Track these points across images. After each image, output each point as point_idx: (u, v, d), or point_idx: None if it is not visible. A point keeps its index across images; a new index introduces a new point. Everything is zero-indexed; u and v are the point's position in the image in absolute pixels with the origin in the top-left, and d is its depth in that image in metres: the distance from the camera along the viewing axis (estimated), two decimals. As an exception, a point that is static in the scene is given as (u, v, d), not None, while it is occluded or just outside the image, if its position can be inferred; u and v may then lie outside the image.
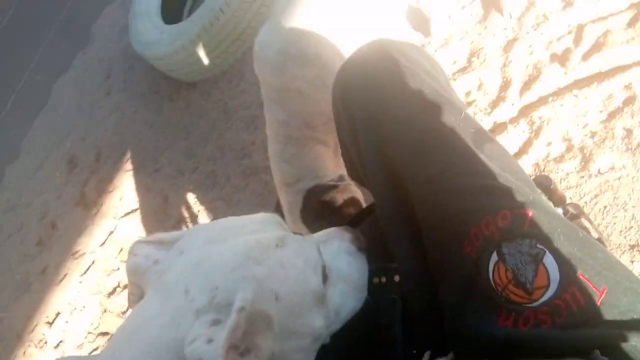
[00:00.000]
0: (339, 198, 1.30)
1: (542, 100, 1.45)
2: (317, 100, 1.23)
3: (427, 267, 0.75)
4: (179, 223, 2.29)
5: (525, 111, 1.47)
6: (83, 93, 3.11)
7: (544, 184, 0.93)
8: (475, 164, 0.71)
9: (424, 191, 0.74)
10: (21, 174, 3.15)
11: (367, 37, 1.29)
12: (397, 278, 0.83)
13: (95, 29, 3.27)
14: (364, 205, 1.31)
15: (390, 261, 0.84)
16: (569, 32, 1.46)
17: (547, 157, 1.41)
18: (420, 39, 1.80)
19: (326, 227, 0.85)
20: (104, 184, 2.65)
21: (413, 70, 0.83)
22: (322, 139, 1.32)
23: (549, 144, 1.41)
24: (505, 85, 1.53)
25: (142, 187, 2.52)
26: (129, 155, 2.66)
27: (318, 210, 1.31)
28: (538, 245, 0.61)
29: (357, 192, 1.32)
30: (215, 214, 2.19)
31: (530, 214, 0.63)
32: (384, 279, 0.86)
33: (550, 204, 0.77)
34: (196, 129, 2.48)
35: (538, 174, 1.45)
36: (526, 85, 1.49)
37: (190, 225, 2.25)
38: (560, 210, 0.89)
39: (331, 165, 1.36)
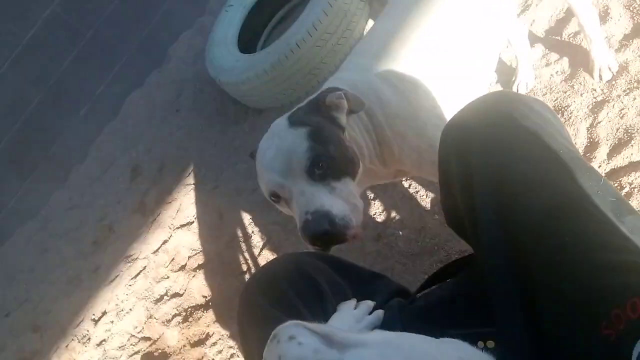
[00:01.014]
0: None
1: (633, 166, 1.30)
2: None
3: (536, 340, 0.63)
4: (232, 240, 2.17)
5: (613, 175, 1.32)
6: (154, 108, 3.07)
7: None
8: (618, 237, 0.59)
9: (553, 260, 0.61)
10: (85, 176, 3.09)
11: (452, 84, 1.17)
12: (490, 344, 0.71)
13: (172, 50, 3.25)
14: None
15: (484, 323, 0.71)
16: (665, 101, 1.32)
17: (635, 224, 1.25)
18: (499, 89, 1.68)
19: None
20: (163, 195, 2.56)
21: (543, 126, 0.71)
22: None
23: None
24: (592, 147, 1.39)
25: (200, 202, 2.42)
26: (190, 170, 2.57)
27: None
28: None
29: None
30: (269, 237, 2.06)
31: None
32: (491, 344, 0.73)
33: None
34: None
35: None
36: (615, 149, 1.35)
37: (243, 244, 2.13)
38: None
39: None
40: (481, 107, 0.78)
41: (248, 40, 2.74)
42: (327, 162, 0.95)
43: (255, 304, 0.93)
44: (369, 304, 0.86)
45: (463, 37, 1.17)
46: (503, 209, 0.68)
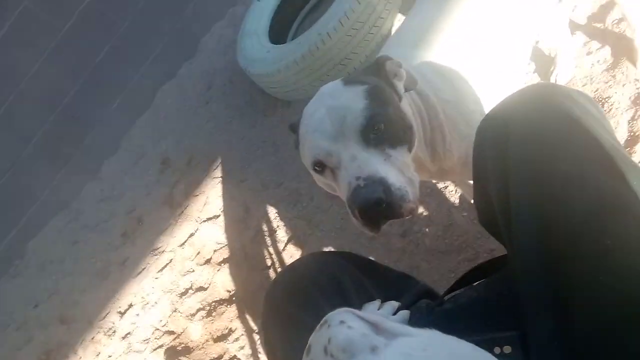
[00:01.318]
0: None
1: (678, 162, 1.26)
2: None
3: (569, 347, 0.60)
4: (257, 234, 2.23)
5: (656, 171, 1.28)
6: (184, 100, 3.17)
7: None
8: None
9: (593, 263, 0.59)
10: (117, 168, 3.23)
11: (488, 77, 1.17)
12: (507, 349, 0.69)
13: (204, 42, 3.34)
14: None
15: (512, 326, 0.70)
16: None
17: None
18: (536, 81, 1.66)
19: None
20: (191, 188, 2.65)
21: (588, 120, 0.68)
22: None
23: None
24: (633, 140, 1.35)
25: (227, 195, 2.49)
26: (218, 163, 2.65)
27: None
28: None
29: None
30: (294, 232, 2.10)
31: None
32: (508, 349, 0.72)
33: None
34: (286, 146, 2.43)
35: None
36: (659, 143, 1.31)
37: (268, 238, 2.18)
38: None
39: None
40: (521, 100, 0.76)
41: (279, 31, 2.78)
42: (386, 124, 0.87)
43: (280, 306, 0.94)
44: (394, 304, 0.85)
45: (498, 27, 1.15)
46: (540, 209, 0.65)
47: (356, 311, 0.63)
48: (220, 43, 3.22)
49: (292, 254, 2.03)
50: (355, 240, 1.83)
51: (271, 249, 2.12)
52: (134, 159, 3.14)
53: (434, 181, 1.39)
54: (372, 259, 1.09)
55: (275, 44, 2.56)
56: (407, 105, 0.99)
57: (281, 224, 2.17)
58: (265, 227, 2.23)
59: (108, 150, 3.32)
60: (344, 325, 0.57)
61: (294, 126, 1.03)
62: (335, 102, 0.89)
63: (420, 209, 1.71)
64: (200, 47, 3.34)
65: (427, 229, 1.65)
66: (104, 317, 2.47)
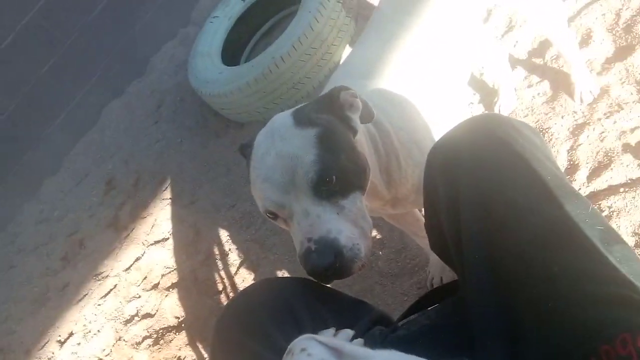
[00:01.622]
0: None
1: (612, 190, 1.34)
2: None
3: None
4: (208, 258, 2.16)
5: (593, 198, 1.35)
6: (132, 119, 3.07)
7: None
8: (607, 268, 0.60)
9: (540, 290, 0.61)
10: (58, 188, 3.07)
11: (433, 105, 1.21)
12: None
13: (154, 61, 3.27)
14: None
15: (464, 353, 0.71)
16: (646, 125, 1.37)
17: (614, 248, 1.28)
18: (481, 110, 1.72)
19: None
20: (138, 210, 2.55)
21: (531, 151, 0.72)
22: None
23: (618, 235, 1.29)
24: (573, 169, 1.43)
25: (176, 218, 2.41)
26: (168, 184, 2.57)
27: None
28: None
29: None
30: (247, 255, 2.06)
31: None
32: None
33: None
34: (238, 168, 2.39)
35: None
36: (595, 172, 1.39)
37: (219, 262, 2.12)
38: None
39: None
40: (469, 129, 0.78)
41: (232, 53, 2.77)
42: (338, 176, 0.85)
43: (230, 333, 0.92)
44: (348, 332, 0.84)
45: (440, 57, 1.20)
46: (490, 236, 0.68)
47: (318, 337, 0.62)
48: (171, 63, 3.16)
49: (244, 278, 1.98)
50: (309, 264, 1.81)
51: (222, 273, 2.06)
52: (76, 179, 3.00)
53: (386, 218, 1.39)
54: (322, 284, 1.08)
55: (229, 65, 2.54)
56: (362, 136, 0.98)
57: (233, 247, 2.12)
58: (216, 251, 2.17)
59: (49, 169, 3.15)
60: (305, 352, 0.57)
61: (244, 148, 1.00)
62: (285, 148, 0.86)
63: (374, 232, 1.72)
64: (150, 66, 3.26)
65: (380, 252, 1.66)
66: (43, 347, 2.32)
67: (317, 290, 1.00)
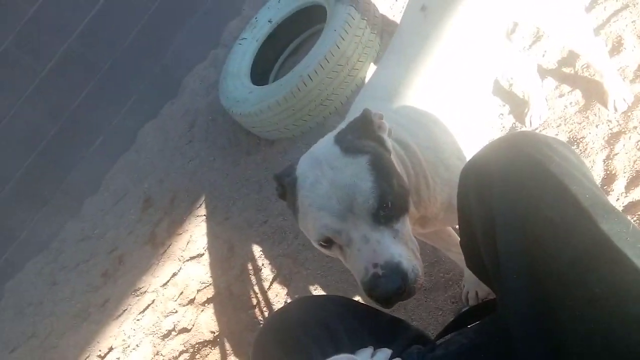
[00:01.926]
0: None
1: (652, 199, 1.29)
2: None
3: None
4: (242, 273, 2.17)
5: (632, 208, 1.31)
6: (166, 139, 3.14)
7: None
8: None
9: (583, 311, 0.60)
10: (98, 207, 3.15)
11: (460, 122, 1.19)
12: None
13: (186, 82, 3.34)
14: None
15: None
16: (684, 132, 1.32)
17: (656, 259, 1.23)
18: (511, 122, 1.69)
19: None
20: (174, 226, 2.59)
21: (567, 169, 0.70)
22: None
23: (659, 245, 1.23)
24: (610, 179, 1.38)
25: (211, 234, 2.44)
26: (202, 201, 2.61)
27: None
28: None
29: None
30: (279, 270, 2.06)
31: None
32: None
33: None
34: (270, 185, 2.41)
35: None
36: (633, 182, 1.34)
37: (253, 277, 2.13)
38: None
39: None
40: (502, 148, 0.77)
41: (261, 72, 2.81)
42: (393, 201, 0.86)
43: (270, 352, 0.93)
44: (387, 352, 0.84)
45: (460, 75, 1.18)
46: (528, 257, 0.67)
47: (354, 357, 0.61)
48: (203, 84, 3.22)
49: (277, 293, 1.98)
50: (342, 279, 1.80)
51: (256, 288, 2.07)
52: (115, 198, 3.07)
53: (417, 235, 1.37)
54: (363, 302, 1.07)
55: (257, 85, 2.57)
56: (394, 157, 0.98)
57: (266, 262, 2.13)
58: (250, 266, 2.18)
59: (89, 189, 3.25)
60: None
61: (282, 178, 0.99)
62: (340, 177, 0.87)
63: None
64: (182, 87, 3.34)
65: (412, 266, 1.63)
66: (84, 362, 2.36)
67: (354, 309, 1.00)
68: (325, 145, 0.95)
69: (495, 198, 0.72)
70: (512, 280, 0.68)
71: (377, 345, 0.86)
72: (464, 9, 1.18)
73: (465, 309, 1.42)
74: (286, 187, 0.98)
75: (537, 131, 1.61)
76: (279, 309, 1.03)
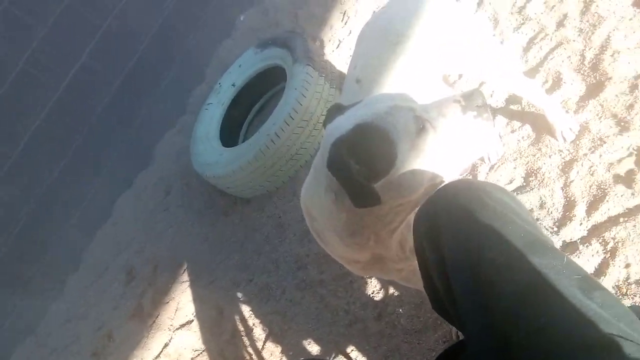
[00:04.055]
0: None
1: (613, 221, 1.32)
2: None
3: None
4: (234, 336, 2.11)
5: (595, 231, 1.34)
6: (143, 209, 3.08)
7: None
8: (589, 315, 0.61)
9: (532, 341, 0.63)
10: (80, 284, 3.03)
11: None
12: None
13: (157, 150, 3.31)
14: None
15: None
16: (629, 155, 1.37)
17: (627, 279, 1.25)
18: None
19: None
20: (160, 296, 2.51)
21: (505, 213, 0.76)
22: None
23: (627, 265, 1.26)
24: (570, 205, 1.42)
25: (198, 299, 2.37)
26: (185, 267, 2.55)
27: None
28: None
29: None
30: (270, 328, 2.01)
31: None
32: None
33: None
34: (250, 243, 2.38)
35: (621, 297, 1.28)
36: (593, 206, 1.38)
37: (245, 338, 2.06)
38: None
39: None
40: (445, 198, 0.82)
41: (231, 134, 2.82)
42: None
43: None
44: None
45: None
46: (479, 295, 0.71)
47: None
48: (174, 150, 3.20)
49: (272, 352, 1.92)
50: (332, 330, 1.77)
51: (250, 349, 2.00)
52: (96, 274, 2.97)
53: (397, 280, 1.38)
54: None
55: (228, 146, 2.57)
56: None
57: (257, 321, 2.07)
58: (241, 327, 2.12)
59: (70, 267, 3.13)
60: None
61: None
62: None
63: (391, 290, 1.69)
64: (154, 155, 3.30)
65: (400, 310, 1.62)
66: None
67: None
68: None
69: (443, 244, 0.78)
70: (470, 320, 0.73)
71: None
72: (392, 78, 1.21)
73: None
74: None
75: (494, 166, 1.65)
76: None
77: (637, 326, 0.63)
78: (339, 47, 2.66)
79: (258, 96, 2.90)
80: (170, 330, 2.34)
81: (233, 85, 2.79)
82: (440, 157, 0.93)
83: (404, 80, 1.21)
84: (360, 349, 1.63)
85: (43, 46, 2.97)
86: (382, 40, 1.27)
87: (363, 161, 0.89)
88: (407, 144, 0.91)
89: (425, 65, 1.24)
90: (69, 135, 3.16)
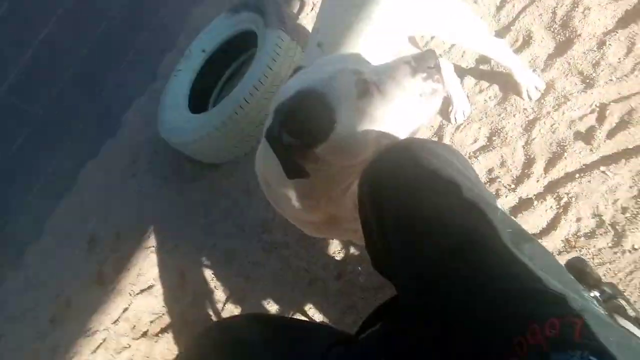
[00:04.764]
0: None
1: (569, 177, 1.33)
2: None
3: None
4: (196, 299, 2.07)
5: (551, 187, 1.34)
6: (110, 177, 3.00)
7: (578, 267, 0.82)
8: (516, 266, 0.62)
9: (459, 294, 0.64)
10: (41, 253, 2.95)
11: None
12: None
13: (126, 118, 3.23)
14: None
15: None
16: (592, 112, 1.38)
17: (577, 232, 1.26)
18: (438, 119, 1.72)
19: None
20: (122, 262, 2.45)
21: (444, 169, 0.77)
22: None
23: (579, 219, 1.27)
24: (529, 163, 1.42)
25: (161, 264, 2.32)
26: (149, 233, 2.49)
27: None
28: (591, 357, 0.51)
29: None
30: (233, 291, 1.98)
31: (580, 322, 0.53)
32: None
33: (601, 310, 0.68)
34: (216, 208, 2.34)
35: (569, 250, 1.29)
36: (551, 163, 1.38)
37: (208, 302, 2.03)
38: (596, 293, 0.77)
39: None
40: (387, 158, 0.83)
41: (201, 101, 2.76)
42: None
43: None
44: None
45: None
46: (411, 249, 0.72)
47: None
48: (143, 118, 3.13)
49: (231, 312, 1.91)
50: (293, 290, 1.75)
51: (210, 311, 1.97)
52: (58, 242, 2.88)
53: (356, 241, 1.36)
54: (281, 315, 1.09)
55: (197, 112, 2.51)
56: None
57: (219, 284, 2.05)
58: (203, 290, 2.08)
59: (30, 236, 3.03)
60: None
61: None
62: None
63: (352, 250, 1.68)
64: (122, 124, 3.22)
65: (359, 268, 1.61)
66: (34, 414, 2.15)
67: (273, 322, 1.05)
68: None
69: (384, 202, 0.79)
70: (402, 276, 0.75)
71: (299, 350, 0.92)
72: (354, 41, 1.19)
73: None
74: None
75: (460, 126, 1.64)
76: (193, 337, 1.06)
77: (565, 278, 0.64)
78: (313, 9, 2.62)
79: (229, 62, 2.84)
80: (130, 295, 2.29)
81: (203, 51, 2.73)
82: (387, 120, 0.92)
83: (366, 44, 1.19)
84: (318, 307, 1.62)
85: (7, 16, 2.86)
86: (346, 2, 1.24)
87: (298, 130, 0.91)
88: (349, 108, 0.91)
89: (390, 28, 1.22)
90: (32, 105, 3.05)
